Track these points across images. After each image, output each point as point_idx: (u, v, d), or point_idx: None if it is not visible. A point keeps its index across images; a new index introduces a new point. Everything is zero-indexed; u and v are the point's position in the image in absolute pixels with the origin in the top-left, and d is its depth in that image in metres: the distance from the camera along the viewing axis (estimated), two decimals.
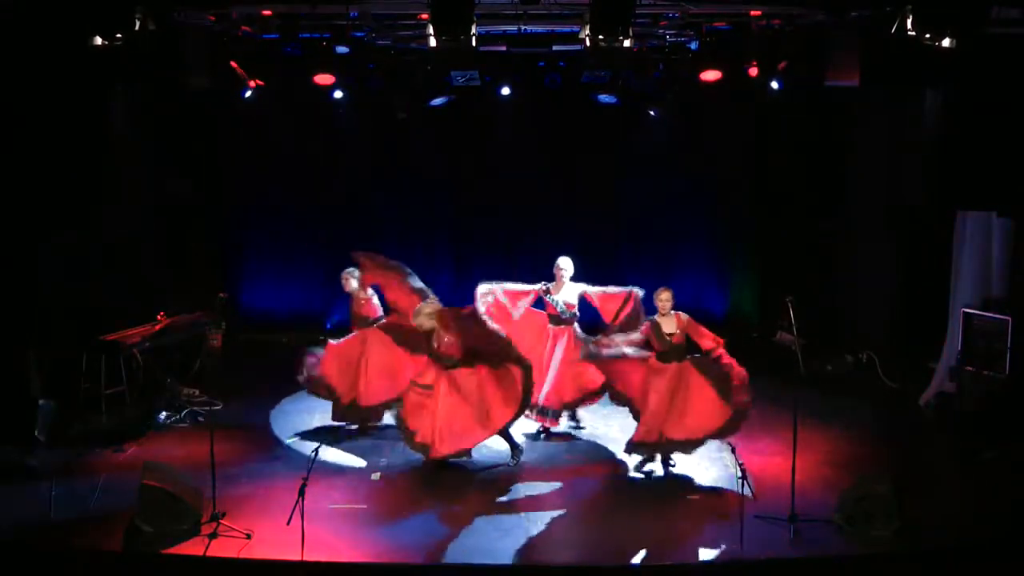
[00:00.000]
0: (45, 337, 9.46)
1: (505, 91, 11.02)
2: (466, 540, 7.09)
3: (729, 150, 12.65)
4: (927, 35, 8.47)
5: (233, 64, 10.00)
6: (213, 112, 11.63)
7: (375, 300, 9.32)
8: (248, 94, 10.42)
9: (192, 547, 6.83)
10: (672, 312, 8.19)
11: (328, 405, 9.33)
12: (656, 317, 8.21)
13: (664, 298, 8.18)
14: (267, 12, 9.53)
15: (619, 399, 8.48)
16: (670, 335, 8.13)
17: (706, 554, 6.85)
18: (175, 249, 12.08)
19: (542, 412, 9.12)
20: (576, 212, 12.85)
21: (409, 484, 8.12)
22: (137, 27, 8.54)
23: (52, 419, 8.92)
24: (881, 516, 6.99)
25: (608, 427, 9.43)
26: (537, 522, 7.42)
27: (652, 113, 11.87)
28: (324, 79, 10.10)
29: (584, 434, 9.33)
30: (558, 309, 9.04)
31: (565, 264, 9.07)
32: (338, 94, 10.52)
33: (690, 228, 12.99)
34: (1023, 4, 8.83)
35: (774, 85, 10.38)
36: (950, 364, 9.56)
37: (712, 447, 8.48)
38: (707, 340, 8.17)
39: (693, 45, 10.05)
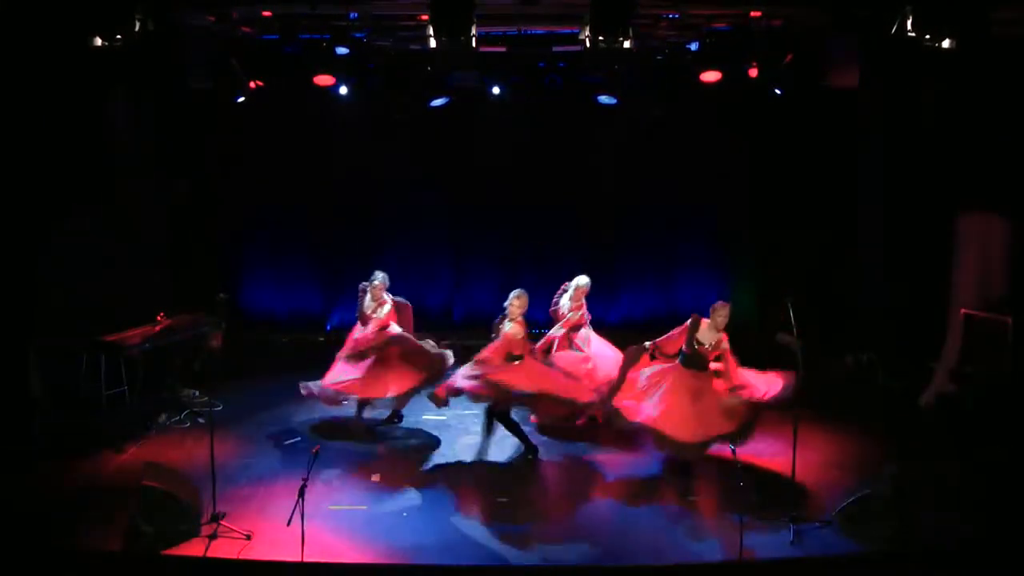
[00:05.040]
0: (45, 337, 9.47)
1: (496, 90, 10.99)
2: (466, 540, 7.10)
3: (729, 151, 12.64)
4: (927, 36, 8.47)
5: (233, 64, 10.00)
6: (213, 112, 11.62)
7: None
8: (242, 99, 10.39)
9: (192, 548, 6.84)
10: (721, 331, 8.13)
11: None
12: (704, 320, 8.14)
13: (723, 313, 8.12)
14: (267, 13, 9.53)
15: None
16: (701, 344, 8.10)
17: (706, 554, 6.85)
18: (175, 249, 12.07)
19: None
20: (576, 213, 12.85)
21: (409, 485, 8.12)
22: (137, 27, 8.53)
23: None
24: (881, 516, 7.00)
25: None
26: (537, 522, 7.43)
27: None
28: (324, 80, 10.09)
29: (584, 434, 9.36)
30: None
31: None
32: (343, 90, 10.52)
33: (690, 228, 12.98)
34: (1023, 4, 8.83)
35: (774, 86, 10.38)
36: (950, 365, 9.56)
37: (712, 448, 8.48)
38: (729, 377, 8.11)
39: (693, 46, 10.05)
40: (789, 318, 7.63)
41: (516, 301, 8.56)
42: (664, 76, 10.41)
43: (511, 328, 8.47)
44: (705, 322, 8.15)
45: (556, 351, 9.35)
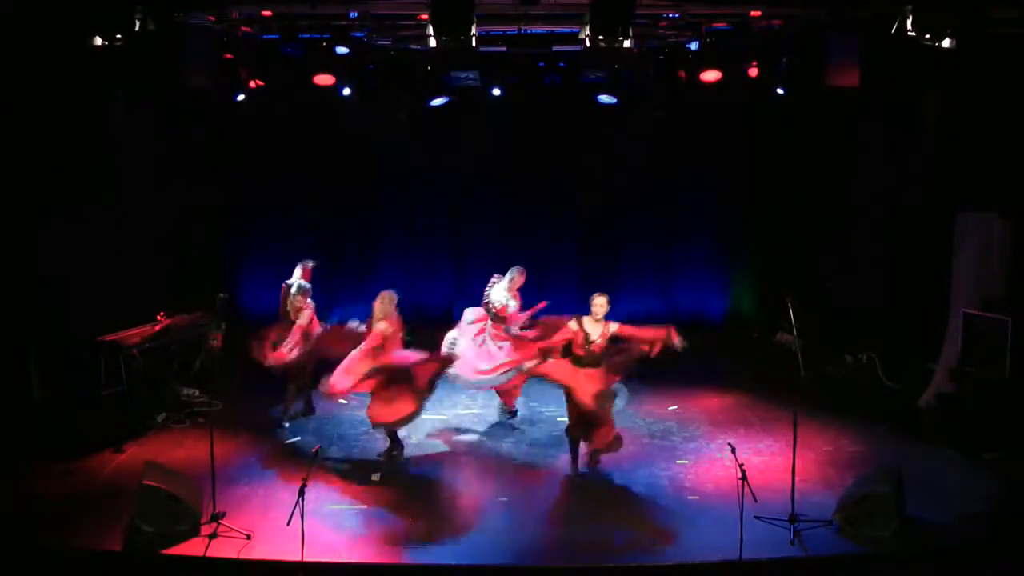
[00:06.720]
0: (45, 337, 9.46)
1: (496, 90, 11.00)
2: (465, 540, 7.09)
3: (729, 150, 12.65)
4: (927, 35, 8.47)
5: (233, 64, 10.01)
6: (213, 112, 11.62)
7: None
8: (241, 97, 10.39)
9: (192, 547, 6.84)
10: (603, 320, 8.08)
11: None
12: (586, 319, 8.09)
13: (599, 303, 8.06)
14: (267, 12, 9.54)
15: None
16: (592, 342, 8.05)
17: (706, 554, 6.85)
18: (175, 249, 12.06)
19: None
20: (576, 212, 12.87)
21: (409, 484, 8.13)
22: (137, 27, 8.55)
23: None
24: (881, 516, 6.99)
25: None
26: (537, 522, 7.43)
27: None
28: (324, 79, 10.09)
29: None
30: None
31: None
32: (346, 91, 10.51)
33: (690, 228, 13.00)
34: (1023, 4, 8.83)
35: (774, 86, 10.38)
36: (950, 365, 9.56)
37: (712, 448, 8.49)
38: (645, 338, 8.03)
39: (693, 45, 10.05)
40: (789, 318, 7.63)
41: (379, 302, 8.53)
42: (664, 76, 10.41)
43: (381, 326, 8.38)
44: (586, 318, 8.09)
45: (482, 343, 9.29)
